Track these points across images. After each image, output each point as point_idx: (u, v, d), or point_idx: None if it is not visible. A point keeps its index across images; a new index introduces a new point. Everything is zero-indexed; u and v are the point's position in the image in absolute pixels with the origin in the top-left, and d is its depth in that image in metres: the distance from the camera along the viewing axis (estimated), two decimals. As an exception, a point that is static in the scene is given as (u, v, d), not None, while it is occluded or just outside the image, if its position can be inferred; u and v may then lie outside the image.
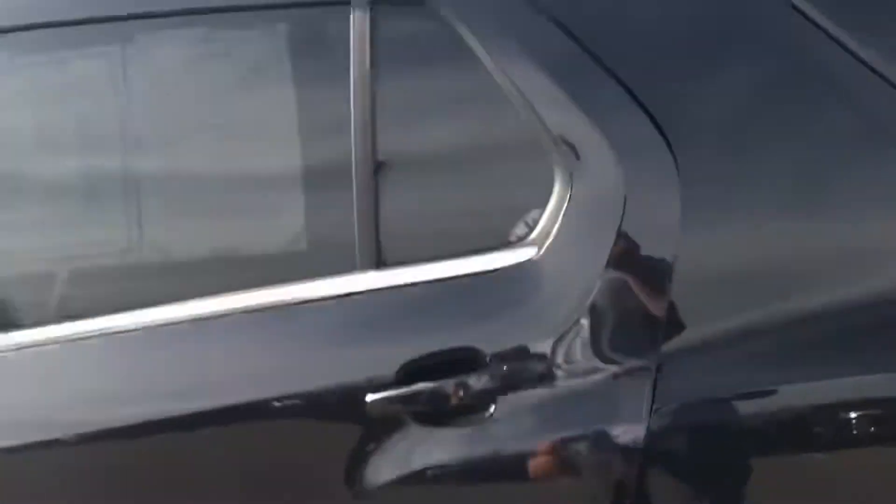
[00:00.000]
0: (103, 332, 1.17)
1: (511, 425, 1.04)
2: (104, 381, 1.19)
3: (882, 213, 1.01)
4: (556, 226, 1.04)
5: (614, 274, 1.03)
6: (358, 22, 1.10)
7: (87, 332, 1.18)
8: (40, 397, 1.20)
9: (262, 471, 1.13)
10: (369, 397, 1.05)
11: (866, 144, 1.02)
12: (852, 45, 1.00)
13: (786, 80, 1.04)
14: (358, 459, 1.08)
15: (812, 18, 1.01)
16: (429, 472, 1.07)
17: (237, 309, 1.13)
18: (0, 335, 1.22)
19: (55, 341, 1.20)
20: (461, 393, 1.03)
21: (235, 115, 1.24)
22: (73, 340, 1.18)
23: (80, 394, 1.19)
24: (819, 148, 1.02)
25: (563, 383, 1.03)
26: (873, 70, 1.00)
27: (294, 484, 1.12)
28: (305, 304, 1.12)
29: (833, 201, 1.02)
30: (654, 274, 1.02)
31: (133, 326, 1.16)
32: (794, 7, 1.01)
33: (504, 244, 1.07)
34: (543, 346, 1.03)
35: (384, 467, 1.08)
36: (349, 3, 1.11)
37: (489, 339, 1.04)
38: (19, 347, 1.20)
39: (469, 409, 1.04)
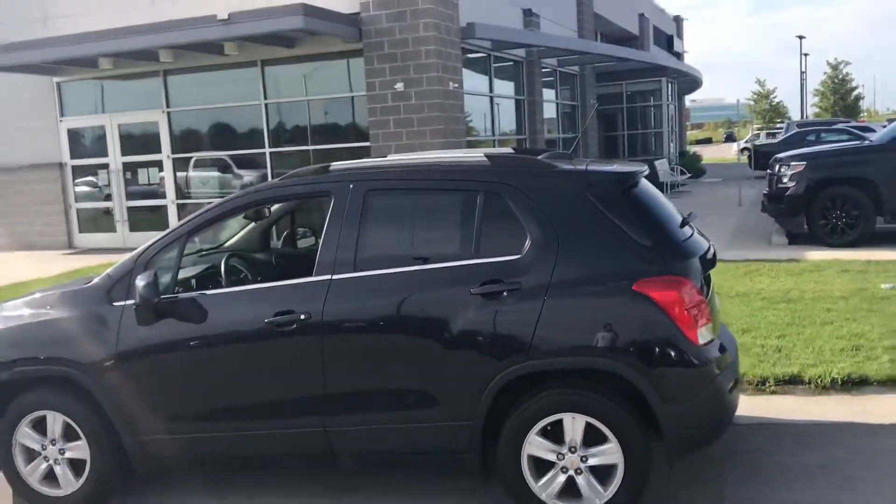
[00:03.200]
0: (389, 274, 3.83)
1: (527, 293, 3.60)
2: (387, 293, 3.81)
3: None
4: (525, 250, 3.65)
5: (537, 258, 3.64)
6: (481, 199, 3.79)
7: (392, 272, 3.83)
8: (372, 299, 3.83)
9: None
10: (472, 290, 3.67)
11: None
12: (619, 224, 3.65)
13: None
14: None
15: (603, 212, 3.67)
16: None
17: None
18: (376, 272, 3.83)
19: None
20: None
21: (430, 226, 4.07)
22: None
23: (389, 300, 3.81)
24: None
25: (525, 286, 3.60)
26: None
27: None
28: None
29: None
30: (545, 265, 3.62)
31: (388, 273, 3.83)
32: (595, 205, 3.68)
33: (508, 255, 3.69)
34: (521, 279, 3.61)
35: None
36: (479, 192, 3.81)
37: (506, 274, 3.61)
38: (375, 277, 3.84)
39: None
